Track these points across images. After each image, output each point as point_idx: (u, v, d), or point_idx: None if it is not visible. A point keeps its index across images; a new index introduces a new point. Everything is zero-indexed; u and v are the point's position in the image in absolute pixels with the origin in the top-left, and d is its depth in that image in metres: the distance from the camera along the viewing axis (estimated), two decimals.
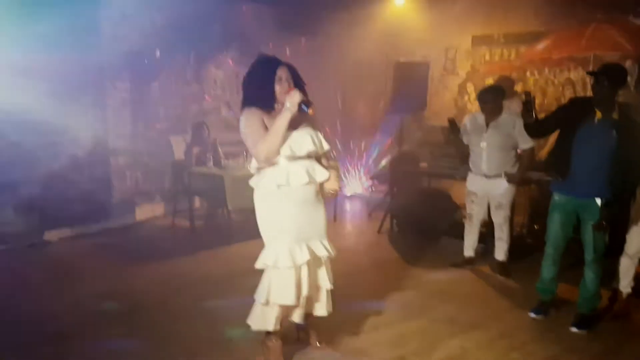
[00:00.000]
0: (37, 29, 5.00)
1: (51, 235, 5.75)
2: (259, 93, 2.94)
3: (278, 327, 3.06)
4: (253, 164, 3.07)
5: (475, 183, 4.71)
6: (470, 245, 4.90)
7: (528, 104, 3.58)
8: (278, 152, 2.89)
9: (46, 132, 5.44)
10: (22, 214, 5.57)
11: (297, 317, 3.16)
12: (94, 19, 5.87)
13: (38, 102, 5.08)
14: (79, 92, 5.69)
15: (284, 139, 2.88)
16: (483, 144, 4.55)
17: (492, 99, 4.50)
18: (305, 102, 2.84)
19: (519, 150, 4.59)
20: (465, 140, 4.72)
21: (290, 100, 2.83)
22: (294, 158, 2.94)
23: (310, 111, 2.85)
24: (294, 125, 2.90)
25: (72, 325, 3.70)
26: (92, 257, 5.31)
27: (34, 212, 5.64)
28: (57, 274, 4.79)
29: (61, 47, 5.18)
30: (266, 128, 2.89)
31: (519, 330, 3.66)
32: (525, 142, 4.42)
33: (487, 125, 4.55)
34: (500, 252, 4.70)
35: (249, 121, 2.92)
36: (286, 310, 3.08)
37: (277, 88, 2.95)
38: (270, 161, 2.91)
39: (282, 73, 2.96)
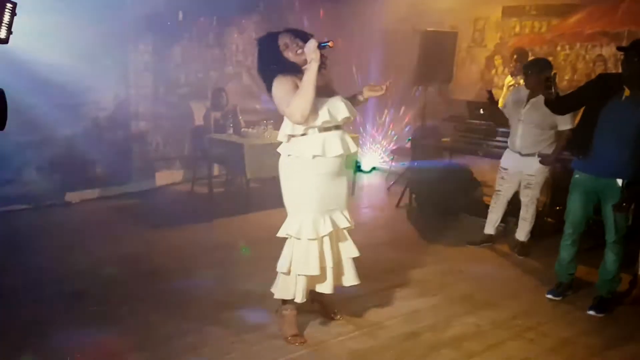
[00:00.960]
0: None
1: (72, 196, 5.82)
2: (276, 67, 2.90)
3: (304, 298, 3.04)
4: (283, 131, 2.99)
5: (508, 159, 4.58)
6: (492, 223, 4.79)
7: (548, 80, 3.49)
8: (309, 111, 2.80)
9: (68, 94, 5.47)
10: (44, 174, 5.64)
11: (325, 288, 3.13)
12: None
13: (61, 63, 5.07)
14: (101, 54, 5.67)
15: (321, 105, 2.85)
16: (520, 120, 4.40)
17: (536, 72, 4.21)
18: (324, 44, 2.79)
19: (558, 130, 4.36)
20: (507, 113, 4.57)
21: (307, 51, 2.78)
22: (330, 125, 2.91)
23: (330, 44, 2.78)
24: (325, 92, 2.88)
25: (90, 285, 3.76)
26: (111, 220, 5.38)
27: (56, 173, 5.71)
28: (77, 234, 4.88)
29: (84, 9, 5.15)
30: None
31: (535, 310, 3.62)
32: (565, 123, 4.19)
33: (528, 100, 4.38)
34: (522, 232, 4.63)
35: (281, 85, 2.87)
36: (311, 282, 3.07)
37: (290, 55, 2.91)
38: (305, 119, 2.82)
39: (284, 40, 2.93)
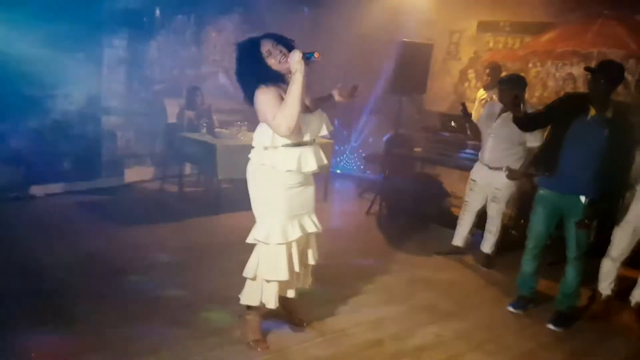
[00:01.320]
0: None
1: (37, 189, 5.69)
2: (257, 76, 2.82)
3: (276, 304, 3.03)
4: (259, 141, 2.92)
5: (478, 172, 4.65)
6: (460, 235, 4.84)
7: (517, 98, 3.59)
8: (295, 123, 2.74)
9: (38, 86, 5.35)
10: (9, 166, 5.50)
11: (291, 293, 3.13)
12: None
13: (31, 54, 4.97)
14: (75, 47, 5.56)
15: (302, 121, 2.82)
16: (490, 134, 4.48)
17: (509, 88, 4.27)
18: (306, 53, 2.72)
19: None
20: (480, 126, 4.65)
21: (292, 62, 2.71)
22: (304, 142, 2.91)
23: (316, 55, 2.70)
24: (304, 107, 2.83)
25: (49, 283, 3.68)
26: (76, 215, 5.28)
27: (21, 165, 5.57)
28: (40, 230, 4.76)
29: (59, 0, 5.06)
30: (282, 98, 2.79)
31: (496, 322, 3.69)
32: (534, 140, 4.26)
33: (499, 114, 4.45)
34: (487, 244, 4.70)
35: (264, 96, 2.79)
36: (281, 286, 3.05)
37: (272, 62, 2.84)
38: (290, 131, 2.76)
39: (266, 46, 2.85)
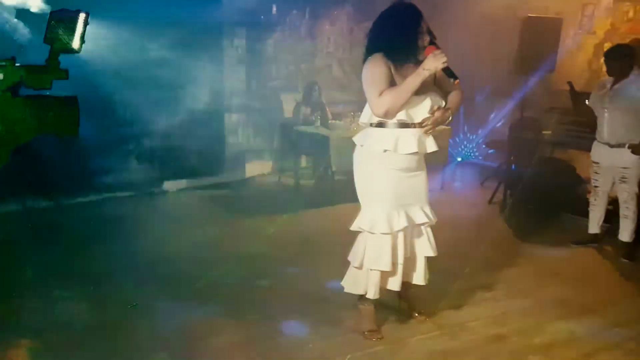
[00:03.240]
0: None
1: (169, 185, 6.11)
2: (400, 44, 2.75)
3: (377, 294, 2.97)
4: (364, 117, 2.91)
5: (598, 152, 4.31)
6: (595, 221, 4.48)
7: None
8: (398, 111, 2.72)
9: (166, 87, 5.72)
10: (144, 164, 5.96)
11: (394, 284, 3.04)
12: None
13: (158, 58, 5.33)
14: (197, 49, 5.88)
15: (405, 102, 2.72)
16: (605, 108, 4.14)
17: (618, 56, 4.08)
18: (450, 71, 2.67)
19: None
20: (592, 105, 4.30)
21: (433, 63, 2.64)
22: (406, 125, 2.79)
23: (456, 82, 2.68)
24: (422, 89, 2.72)
25: (184, 267, 3.95)
26: (204, 208, 5.62)
27: (155, 163, 6.01)
28: (174, 221, 5.14)
29: (181, 3, 5.35)
30: (392, 80, 2.74)
31: (637, 319, 3.30)
32: None
33: (611, 88, 4.13)
34: (626, 232, 4.24)
35: (375, 69, 2.75)
36: (384, 277, 2.98)
37: (419, 42, 2.76)
38: (387, 117, 2.74)
39: (424, 25, 2.77)
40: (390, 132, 2.80)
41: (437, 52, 2.66)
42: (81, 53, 3.54)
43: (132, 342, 2.95)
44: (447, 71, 2.70)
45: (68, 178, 5.12)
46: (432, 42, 2.76)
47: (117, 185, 5.70)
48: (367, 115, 2.87)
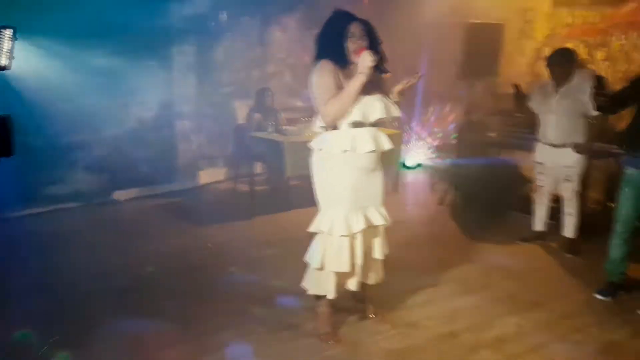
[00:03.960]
0: None
1: (119, 194, 5.99)
2: (330, 48, 2.83)
3: (334, 294, 3.01)
4: (316, 124, 2.98)
5: (542, 153, 4.46)
6: (539, 219, 4.66)
7: (600, 86, 3.41)
8: (345, 116, 2.80)
9: (114, 95, 5.61)
10: (93, 173, 5.82)
11: (352, 284, 3.10)
12: None
13: (105, 65, 5.22)
14: (146, 55, 5.79)
15: (356, 103, 2.79)
16: (550, 111, 4.30)
17: (562, 61, 4.22)
18: (380, 66, 2.75)
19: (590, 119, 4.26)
20: (534, 107, 4.45)
21: (363, 64, 2.71)
22: (361, 124, 2.85)
23: (387, 75, 2.77)
24: (366, 89, 2.78)
25: (135, 280, 3.86)
26: (155, 217, 5.50)
27: (104, 172, 5.88)
28: (124, 232, 5.01)
29: (128, 10, 5.26)
30: (339, 85, 2.80)
31: (582, 311, 3.45)
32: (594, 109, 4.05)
33: (556, 91, 4.28)
34: (569, 228, 4.42)
35: (322, 75, 2.81)
36: (342, 278, 3.03)
37: (350, 45, 2.82)
38: (335, 123, 2.83)
39: (355, 29, 2.82)
40: (347, 133, 2.85)
41: (364, 52, 2.73)
42: (13, 69, 3.42)
43: (79, 357, 2.88)
44: (378, 68, 2.78)
45: (13, 191, 4.94)
46: (375, 47, 2.83)
47: (64, 197, 5.55)
48: (320, 121, 2.92)
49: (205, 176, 6.72)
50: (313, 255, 3.03)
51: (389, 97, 2.97)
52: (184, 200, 6.12)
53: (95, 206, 5.71)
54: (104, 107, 5.56)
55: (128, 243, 4.64)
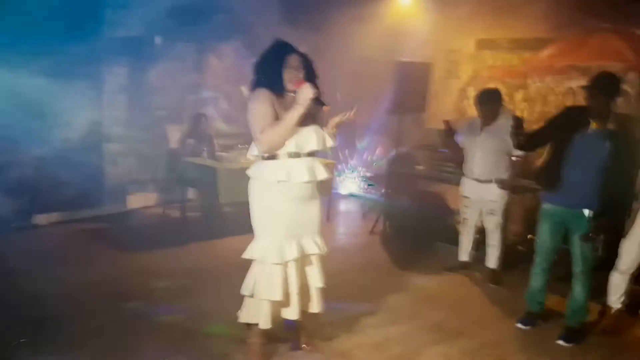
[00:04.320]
0: (34, 11, 4.93)
1: (40, 219, 5.69)
2: (268, 76, 2.88)
3: (269, 324, 2.97)
4: (252, 151, 3.00)
5: (468, 187, 4.67)
6: (464, 250, 4.85)
7: (517, 126, 3.62)
8: (282, 146, 2.84)
9: (39, 115, 5.36)
10: (11, 196, 5.49)
11: (292, 314, 3.07)
12: (92, 2, 5.79)
13: (31, 84, 5.01)
14: (74, 76, 5.59)
15: (292, 134, 2.83)
16: (476, 148, 4.51)
17: (489, 101, 4.46)
18: (320, 100, 2.81)
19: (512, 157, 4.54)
20: (462, 143, 4.66)
21: (302, 96, 2.77)
22: (297, 155, 2.89)
23: (325, 108, 2.83)
24: (302, 120, 2.83)
25: (55, 310, 3.67)
26: (79, 243, 5.27)
27: (24, 195, 5.56)
28: (43, 258, 4.75)
29: (57, 30, 5.10)
30: (275, 113, 2.83)
31: (505, 340, 3.61)
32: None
33: (482, 128, 4.50)
34: (492, 259, 4.64)
35: (259, 103, 2.84)
36: (277, 307, 3.01)
37: (286, 75, 2.88)
38: (271, 152, 2.86)
39: (293, 61, 2.89)
40: (283, 163, 2.89)
41: (304, 85, 2.81)
42: None
43: None
44: (317, 101, 2.85)
45: None
46: (312, 80, 2.91)
47: None
48: (256, 149, 2.95)
49: (134, 201, 6.51)
50: (246, 283, 3.01)
51: (325, 128, 3.05)
52: (110, 225, 5.90)
53: (13, 231, 5.38)
54: (26, 128, 5.29)
55: (47, 270, 4.41)
